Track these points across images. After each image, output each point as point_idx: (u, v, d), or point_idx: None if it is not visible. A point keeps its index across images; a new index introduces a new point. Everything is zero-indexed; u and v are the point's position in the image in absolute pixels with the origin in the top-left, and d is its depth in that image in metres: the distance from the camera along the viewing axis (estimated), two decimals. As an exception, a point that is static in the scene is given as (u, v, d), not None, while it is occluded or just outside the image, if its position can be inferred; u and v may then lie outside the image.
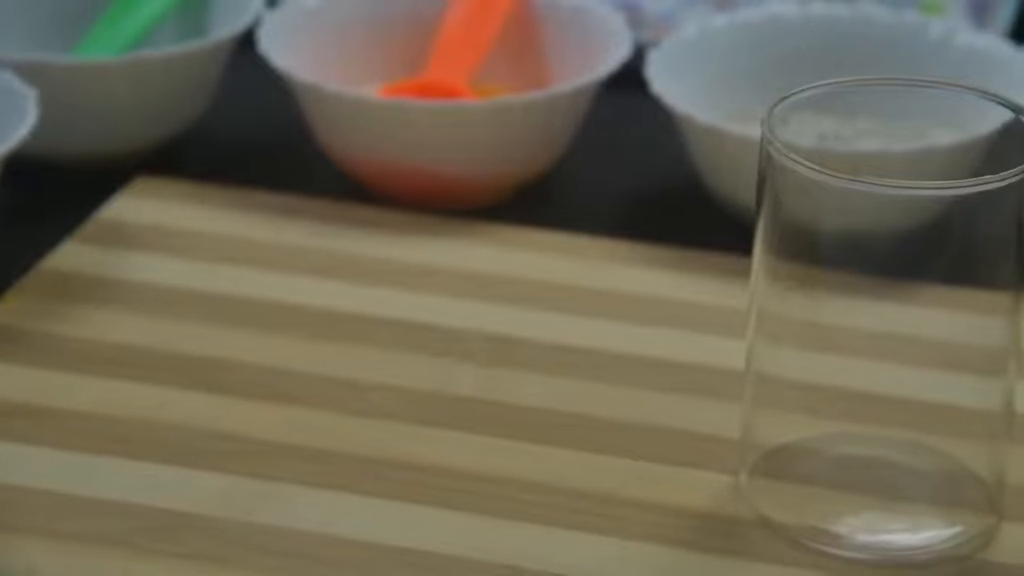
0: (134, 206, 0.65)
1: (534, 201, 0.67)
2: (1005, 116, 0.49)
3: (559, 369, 0.57)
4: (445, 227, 0.64)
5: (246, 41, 0.68)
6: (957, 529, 0.50)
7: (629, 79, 0.66)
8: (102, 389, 0.56)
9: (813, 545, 0.50)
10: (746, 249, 0.50)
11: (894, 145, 0.61)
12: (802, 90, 0.50)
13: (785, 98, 0.49)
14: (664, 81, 0.64)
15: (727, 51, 0.68)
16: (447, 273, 0.62)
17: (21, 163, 0.64)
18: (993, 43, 0.67)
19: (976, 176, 0.47)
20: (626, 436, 0.54)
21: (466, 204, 0.66)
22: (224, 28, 0.68)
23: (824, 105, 0.52)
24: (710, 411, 0.55)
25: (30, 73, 0.64)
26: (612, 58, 0.66)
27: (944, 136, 0.60)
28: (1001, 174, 0.47)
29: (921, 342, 0.49)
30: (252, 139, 0.71)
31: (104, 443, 0.53)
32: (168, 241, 0.63)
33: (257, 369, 0.57)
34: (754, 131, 0.50)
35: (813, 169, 0.47)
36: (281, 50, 0.66)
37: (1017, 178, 0.47)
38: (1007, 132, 0.49)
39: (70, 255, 0.62)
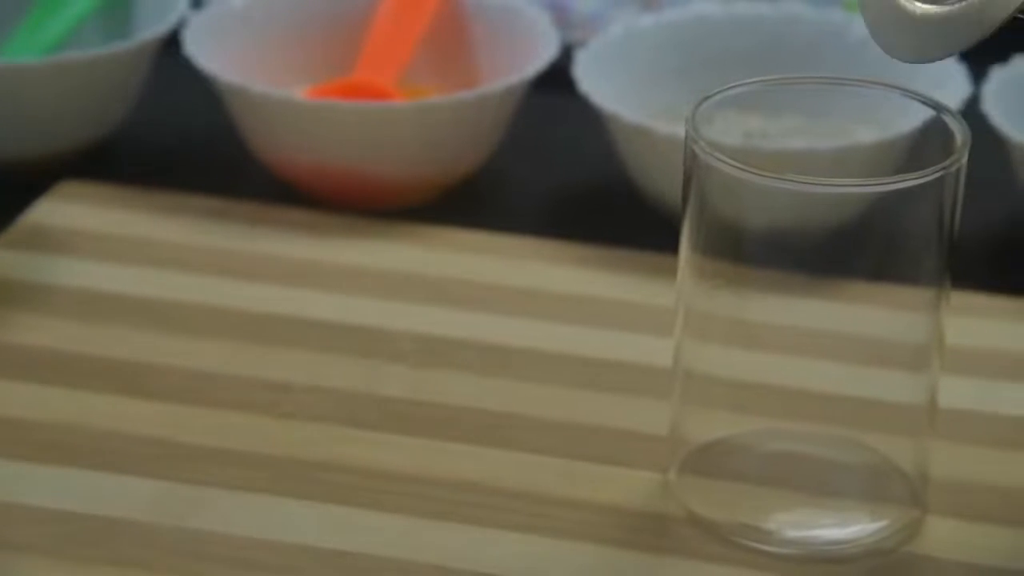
0: (59, 210, 0.64)
1: (462, 201, 0.67)
2: (926, 114, 0.50)
3: (489, 369, 0.57)
4: (374, 228, 0.64)
5: (171, 43, 0.67)
6: (883, 523, 0.51)
7: (557, 79, 0.66)
8: (30, 395, 0.55)
9: (742, 541, 0.50)
10: (675, 248, 0.51)
11: (818, 143, 0.62)
12: (727, 88, 0.50)
13: (709, 96, 0.50)
14: (592, 81, 0.65)
15: (654, 51, 0.68)
16: (376, 274, 0.62)
17: (-56, 168, 0.63)
18: (915, 41, 0.67)
19: (899, 173, 0.48)
20: (556, 435, 0.54)
21: (394, 205, 0.66)
22: (149, 30, 0.68)
23: (749, 103, 0.52)
24: (639, 409, 0.55)
25: (-48, 77, 0.63)
26: (540, 58, 0.66)
27: (867, 134, 0.61)
28: (923, 171, 0.48)
29: (846, 338, 0.50)
30: (178, 141, 0.70)
31: (32, 449, 0.53)
32: (94, 245, 0.63)
33: (185, 373, 0.56)
34: (682, 130, 0.51)
35: (737, 167, 0.48)
36: (207, 52, 0.66)
37: (938, 175, 0.48)
38: (928, 130, 0.50)
39: (-5, 260, 0.62)
